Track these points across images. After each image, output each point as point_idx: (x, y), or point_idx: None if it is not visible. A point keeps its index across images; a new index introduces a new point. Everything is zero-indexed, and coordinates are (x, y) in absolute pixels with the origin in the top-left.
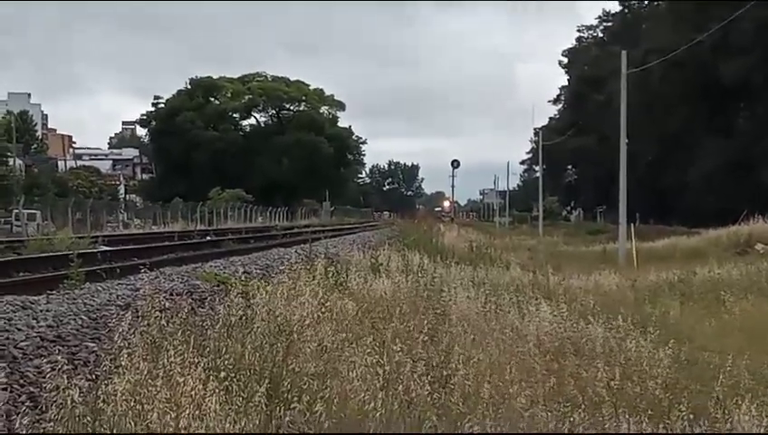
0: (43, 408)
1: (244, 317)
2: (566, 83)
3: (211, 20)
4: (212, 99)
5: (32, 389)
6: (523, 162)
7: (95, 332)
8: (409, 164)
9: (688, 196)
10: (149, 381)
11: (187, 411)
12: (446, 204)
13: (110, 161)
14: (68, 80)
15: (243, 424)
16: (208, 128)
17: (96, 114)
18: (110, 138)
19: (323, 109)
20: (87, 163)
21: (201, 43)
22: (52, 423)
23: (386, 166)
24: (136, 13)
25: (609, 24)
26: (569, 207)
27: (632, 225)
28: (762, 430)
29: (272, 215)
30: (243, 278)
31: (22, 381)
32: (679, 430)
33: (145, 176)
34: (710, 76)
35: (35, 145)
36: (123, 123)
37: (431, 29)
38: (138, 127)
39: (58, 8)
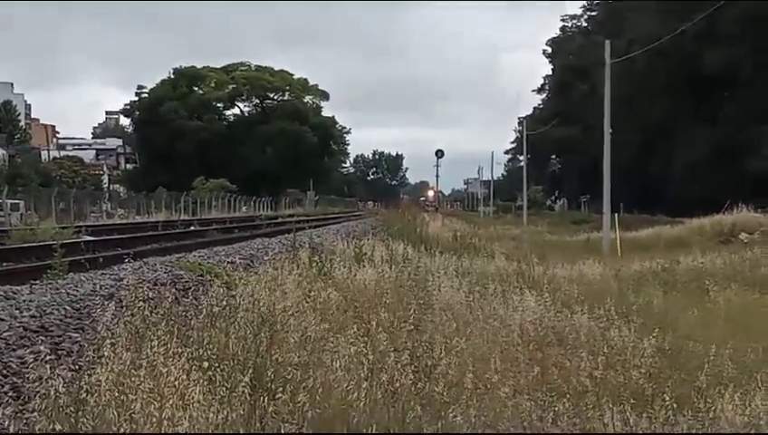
0: (26, 398)
1: (227, 307)
2: (550, 73)
3: (195, 10)
4: (195, 88)
5: (15, 379)
6: (507, 152)
7: (78, 322)
8: (394, 154)
9: (672, 185)
10: (133, 371)
11: (171, 402)
12: (431, 193)
13: (94, 151)
14: (51, 70)
15: (226, 414)
16: (192, 117)
17: (79, 104)
18: (94, 128)
19: (307, 99)
20: (70, 153)
21: (185, 33)
22: (35, 413)
23: (370, 156)
24: (119, 3)
25: (594, 13)
26: (553, 197)
27: (616, 214)
28: (744, 419)
29: (256, 204)
30: (227, 268)
31: (5, 372)
32: (662, 419)
33: (129, 166)
34: (694, 66)
35: (18, 135)
36: (107, 113)
37: (416, 19)
38: (121, 117)
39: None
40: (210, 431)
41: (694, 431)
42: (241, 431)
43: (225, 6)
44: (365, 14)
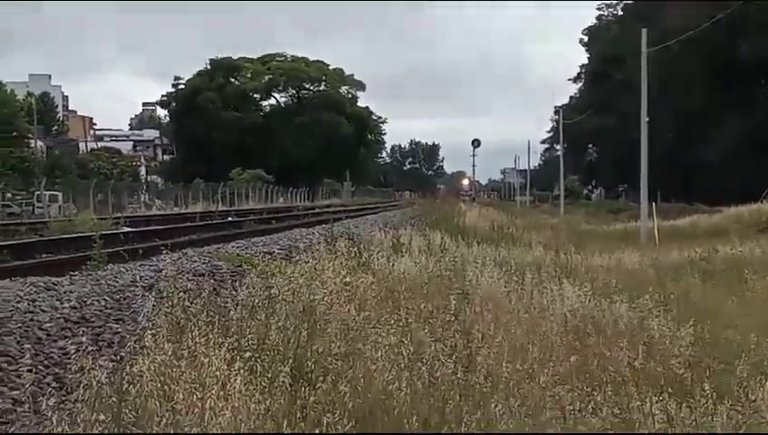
0: (69, 389)
1: (267, 298)
2: (586, 62)
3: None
4: (232, 79)
5: (57, 370)
6: (543, 141)
7: (119, 313)
8: (430, 144)
9: (709, 174)
10: (174, 361)
11: (213, 391)
12: (465, 182)
13: (131, 142)
14: (88, 62)
15: (268, 404)
16: (229, 108)
17: (116, 96)
18: (131, 119)
19: (343, 89)
20: (108, 144)
21: (219, 24)
22: (78, 404)
23: (407, 146)
24: None
25: (630, 1)
26: (590, 187)
27: (653, 203)
28: None
29: (292, 195)
30: (265, 259)
31: (47, 363)
32: (702, 409)
33: (166, 157)
34: (730, 54)
35: (56, 127)
36: (144, 104)
37: (448, 8)
38: (158, 108)
39: None
40: (252, 421)
41: (734, 422)
42: (283, 421)
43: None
44: (397, 4)
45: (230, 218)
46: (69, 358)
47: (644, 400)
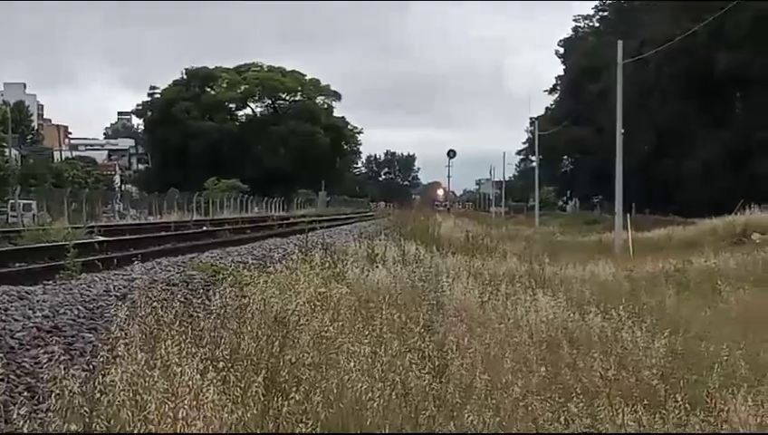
0: (41, 398)
1: (239, 307)
2: (562, 73)
3: (204, 11)
4: (208, 89)
5: (29, 379)
6: (519, 152)
7: (92, 322)
8: (406, 154)
9: (684, 186)
10: (147, 371)
11: (185, 401)
12: (440, 192)
13: (106, 152)
14: (63, 71)
15: (240, 414)
16: (204, 118)
17: (91, 105)
18: (106, 128)
19: (319, 99)
20: (83, 153)
21: (194, 35)
22: (49, 413)
23: (382, 156)
24: (128, 4)
25: (606, 13)
26: (565, 198)
27: (628, 215)
28: (757, 420)
29: (268, 205)
30: (239, 268)
31: (19, 372)
32: (675, 420)
33: (141, 166)
34: (706, 67)
35: (31, 135)
36: (119, 114)
37: (425, 19)
38: (133, 117)
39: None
40: (224, 432)
41: (707, 432)
42: (256, 431)
43: (230, 7)
44: (375, 14)
45: (205, 228)
46: (41, 367)
47: (616, 410)
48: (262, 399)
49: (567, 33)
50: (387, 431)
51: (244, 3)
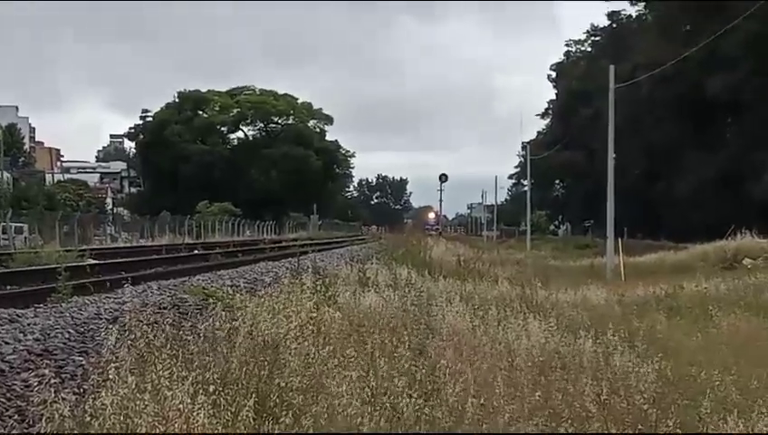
0: (31, 422)
1: (229, 331)
2: (554, 97)
3: (197, 34)
4: (200, 112)
5: (19, 402)
6: (511, 176)
7: (83, 345)
8: (398, 178)
9: (676, 210)
10: (138, 395)
11: (176, 425)
12: (432, 215)
13: (98, 175)
14: (55, 94)
15: None
16: (196, 141)
17: (83, 128)
18: (98, 151)
19: (312, 122)
20: (75, 176)
21: (186, 58)
22: None
23: (374, 180)
24: (121, 28)
25: (597, 38)
26: (557, 222)
27: (620, 239)
28: None
29: (259, 228)
30: (230, 292)
31: (9, 395)
32: None
33: (133, 189)
34: (698, 90)
35: (23, 158)
36: (111, 136)
37: (417, 44)
38: (125, 140)
39: (42, 22)
40: None
41: None
42: None
43: (226, 30)
44: (368, 39)
45: (196, 251)
46: (31, 390)
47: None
48: (252, 423)
49: (558, 57)
50: None
51: (232, 23)
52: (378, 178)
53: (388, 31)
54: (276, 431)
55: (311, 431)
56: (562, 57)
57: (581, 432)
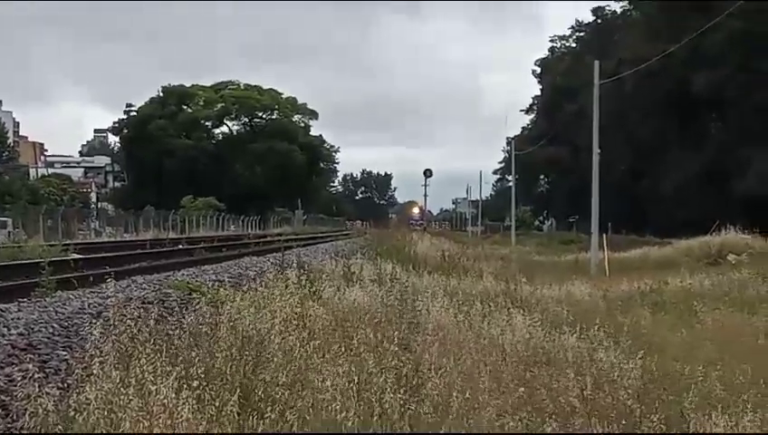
0: (15, 416)
1: (214, 326)
2: (539, 93)
3: (180, 29)
4: (184, 107)
5: (3, 397)
6: (496, 172)
7: (66, 340)
8: (382, 173)
9: (661, 206)
10: (122, 389)
11: (160, 420)
12: (416, 210)
13: (82, 169)
14: (38, 88)
15: (216, 432)
16: (181, 136)
17: (67, 122)
18: (82, 145)
19: (296, 117)
20: (59, 171)
21: (170, 52)
22: (24, 431)
23: (359, 175)
24: (104, 22)
25: (582, 34)
26: (542, 217)
27: (604, 235)
28: None
29: (244, 223)
30: (214, 287)
31: None
32: None
33: (117, 184)
34: (682, 86)
35: (6, 152)
36: (95, 131)
37: (400, 39)
38: (109, 135)
39: (27, 18)
40: None
41: None
42: None
43: (209, 25)
44: (352, 35)
45: (181, 246)
46: (15, 385)
47: (592, 430)
48: (237, 418)
49: (543, 53)
50: None
51: (215, 19)
52: (362, 174)
53: (376, 29)
54: (260, 426)
55: (295, 426)
56: (547, 53)
57: (567, 433)
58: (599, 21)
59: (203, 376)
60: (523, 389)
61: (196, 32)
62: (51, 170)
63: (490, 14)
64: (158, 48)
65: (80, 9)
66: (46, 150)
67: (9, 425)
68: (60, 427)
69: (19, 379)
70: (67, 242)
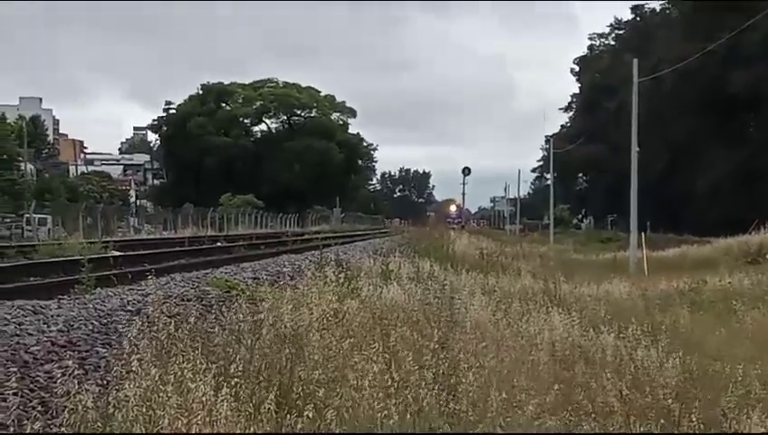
0: (54, 413)
1: (253, 323)
2: (577, 91)
3: (216, 27)
4: (223, 104)
5: (43, 394)
6: (534, 170)
7: (106, 337)
8: (421, 171)
9: (699, 205)
10: (160, 386)
11: (199, 417)
12: (454, 208)
13: (121, 167)
14: (75, 87)
15: (253, 430)
16: (219, 133)
17: (105, 120)
18: (121, 143)
19: (334, 115)
20: (98, 168)
21: (207, 51)
22: (63, 428)
23: (397, 173)
24: (145, 19)
25: (621, 32)
26: (580, 215)
27: (643, 233)
28: None
29: (282, 221)
30: (252, 284)
31: (33, 386)
32: None
33: (156, 181)
34: (720, 85)
35: (47, 150)
36: (134, 129)
37: (438, 37)
38: (149, 132)
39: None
40: None
41: None
42: None
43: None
44: (389, 34)
45: (219, 244)
46: (55, 382)
47: (631, 430)
48: (275, 416)
49: (579, 51)
50: None
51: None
52: (400, 172)
53: (406, 29)
54: (299, 424)
55: (333, 424)
56: (586, 51)
57: (606, 433)
58: (638, 19)
59: (241, 374)
60: (558, 387)
61: (225, 32)
62: (90, 168)
63: (522, 12)
64: (188, 47)
65: (107, 9)
66: (86, 148)
67: (49, 421)
68: (99, 423)
69: (59, 375)
70: (106, 239)
